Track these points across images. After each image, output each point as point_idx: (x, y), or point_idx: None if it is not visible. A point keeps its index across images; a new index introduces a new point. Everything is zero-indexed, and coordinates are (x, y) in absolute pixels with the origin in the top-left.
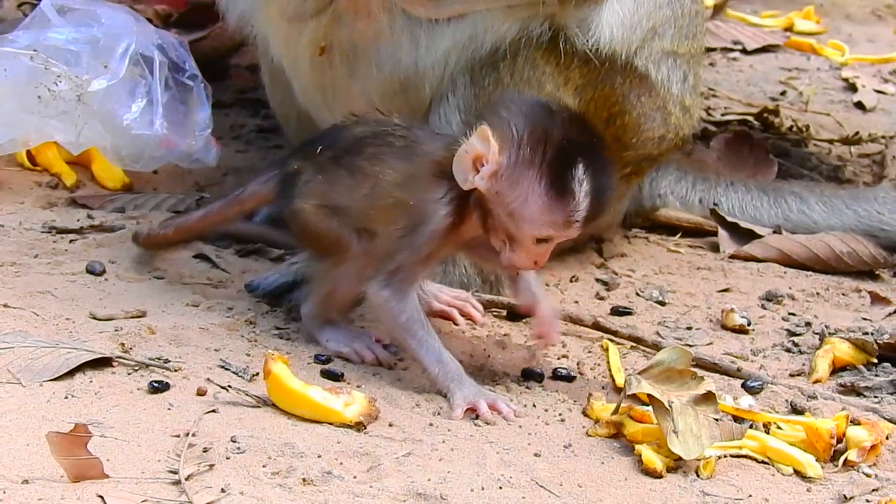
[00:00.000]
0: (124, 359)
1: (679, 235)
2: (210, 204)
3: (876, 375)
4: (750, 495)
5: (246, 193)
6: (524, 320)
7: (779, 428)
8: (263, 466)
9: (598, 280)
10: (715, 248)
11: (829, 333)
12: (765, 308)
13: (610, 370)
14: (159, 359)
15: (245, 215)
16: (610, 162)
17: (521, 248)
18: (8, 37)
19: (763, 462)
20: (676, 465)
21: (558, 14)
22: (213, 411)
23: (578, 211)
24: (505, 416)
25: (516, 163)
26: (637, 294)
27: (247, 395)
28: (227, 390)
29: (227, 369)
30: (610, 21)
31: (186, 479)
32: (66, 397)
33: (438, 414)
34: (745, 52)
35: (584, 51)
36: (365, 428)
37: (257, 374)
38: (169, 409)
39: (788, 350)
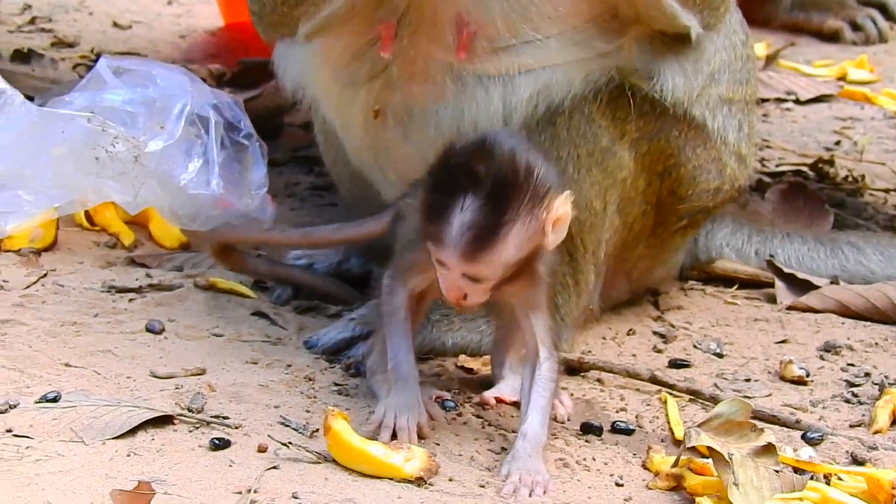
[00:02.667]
0: (185, 416)
1: (736, 287)
2: (316, 227)
3: None
4: None
5: (361, 226)
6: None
7: (839, 479)
8: None
9: (655, 333)
10: (772, 300)
11: (889, 384)
12: (823, 359)
13: (669, 423)
14: (220, 416)
15: (350, 246)
16: (503, 204)
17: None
18: (65, 98)
19: None
20: None
21: (626, 65)
22: (275, 468)
23: (448, 233)
24: (414, 435)
25: (427, 177)
26: (694, 346)
27: (307, 451)
28: (287, 447)
29: (286, 426)
30: (675, 72)
31: None
32: (128, 455)
33: (496, 468)
34: (798, 102)
35: (644, 102)
36: (426, 483)
37: (317, 430)
38: (230, 465)
39: (848, 401)
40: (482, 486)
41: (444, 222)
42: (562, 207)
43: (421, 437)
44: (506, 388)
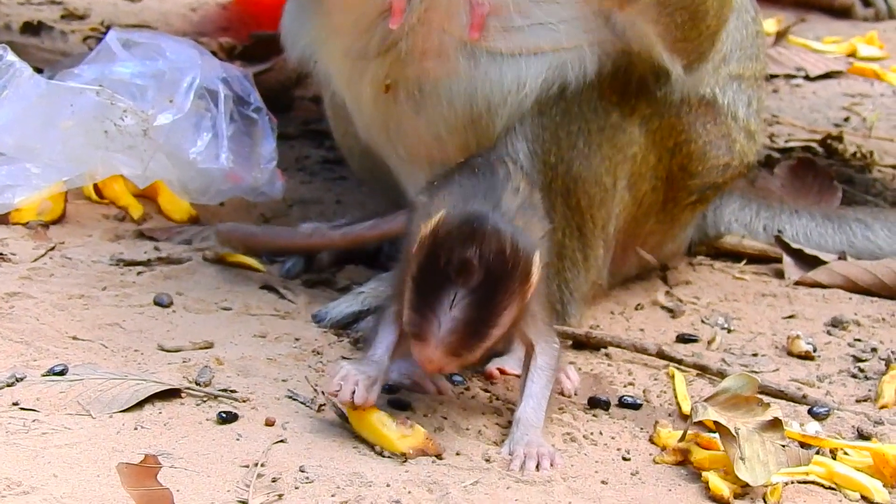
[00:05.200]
0: (193, 390)
1: (744, 263)
2: (351, 227)
3: None
4: None
5: (393, 221)
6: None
7: (845, 454)
8: (332, 496)
9: (663, 307)
10: (780, 275)
11: (895, 359)
12: (830, 334)
13: (676, 397)
14: (227, 390)
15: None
16: (496, 295)
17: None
18: (74, 71)
19: (830, 488)
20: (743, 491)
21: (649, 69)
22: (282, 441)
23: (434, 331)
24: (346, 401)
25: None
26: (702, 321)
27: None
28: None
29: (294, 399)
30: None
31: None
32: (135, 428)
33: (503, 442)
34: (808, 78)
35: (654, 85)
36: (406, 460)
37: (324, 404)
38: (237, 439)
39: (854, 376)
40: (489, 461)
41: (430, 319)
42: (537, 271)
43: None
44: (511, 361)
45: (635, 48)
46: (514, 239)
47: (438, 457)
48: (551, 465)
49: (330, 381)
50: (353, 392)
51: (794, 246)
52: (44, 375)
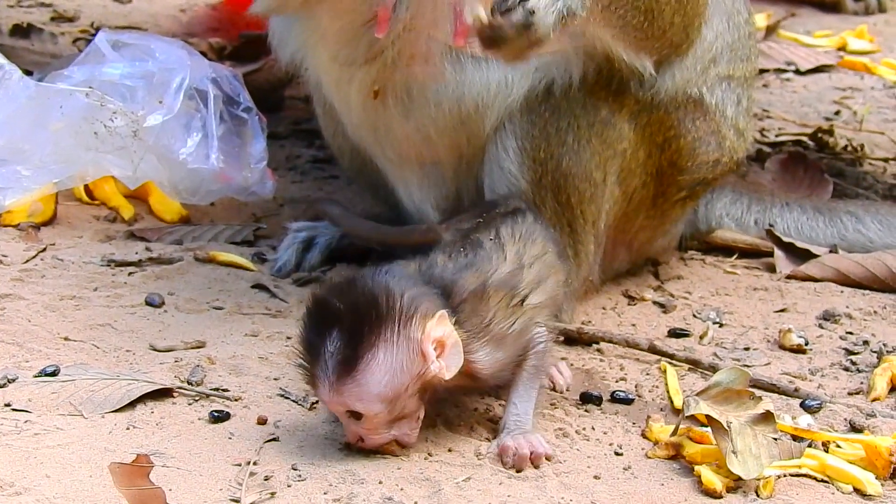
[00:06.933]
0: (185, 389)
1: (735, 257)
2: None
3: None
4: None
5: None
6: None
7: (838, 446)
8: (324, 494)
9: (654, 303)
10: (771, 269)
11: (887, 352)
12: (822, 327)
13: (668, 392)
14: (219, 389)
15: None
16: (362, 333)
17: None
18: (63, 73)
19: (822, 481)
20: (736, 485)
21: (624, 67)
22: (274, 440)
23: (319, 369)
24: None
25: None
26: (694, 316)
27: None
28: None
29: (286, 398)
30: (674, 66)
31: None
32: (127, 428)
33: (494, 437)
34: (798, 72)
35: (640, 88)
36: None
37: (316, 402)
38: (230, 438)
39: (846, 369)
40: (480, 457)
41: (314, 360)
42: (439, 328)
43: None
44: None
45: (599, 49)
46: (393, 286)
47: (429, 454)
48: (546, 459)
49: None
50: None
51: (786, 239)
52: (36, 376)
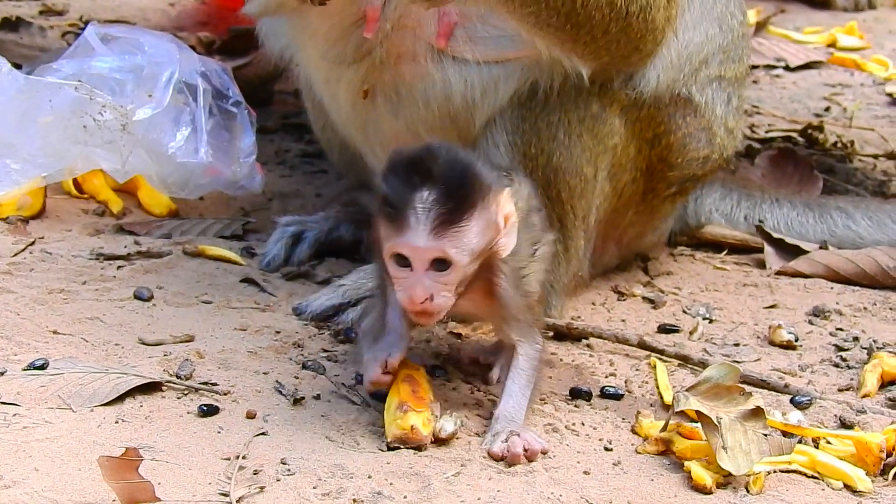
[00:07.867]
0: (174, 383)
1: (725, 253)
2: None
3: None
4: None
5: None
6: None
7: (828, 443)
8: (314, 488)
9: (644, 298)
10: (761, 265)
11: (877, 348)
12: (812, 323)
13: (658, 388)
14: (208, 383)
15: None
16: (460, 192)
17: (393, 278)
18: (52, 66)
19: (812, 477)
20: (726, 480)
21: (606, 67)
22: (263, 434)
23: (413, 216)
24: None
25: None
26: (684, 311)
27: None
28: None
29: (275, 392)
30: (657, 68)
31: (237, 501)
32: (116, 422)
33: (484, 433)
34: (788, 68)
35: (627, 86)
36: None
37: (303, 397)
38: (219, 432)
39: (836, 365)
40: (471, 451)
41: (406, 210)
42: (507, 204)
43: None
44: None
45: (543, 53)
46: (469, 160)
47: (419, 448)
48: (542, 452)
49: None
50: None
51: (776, 236)
52: (24, 370)
